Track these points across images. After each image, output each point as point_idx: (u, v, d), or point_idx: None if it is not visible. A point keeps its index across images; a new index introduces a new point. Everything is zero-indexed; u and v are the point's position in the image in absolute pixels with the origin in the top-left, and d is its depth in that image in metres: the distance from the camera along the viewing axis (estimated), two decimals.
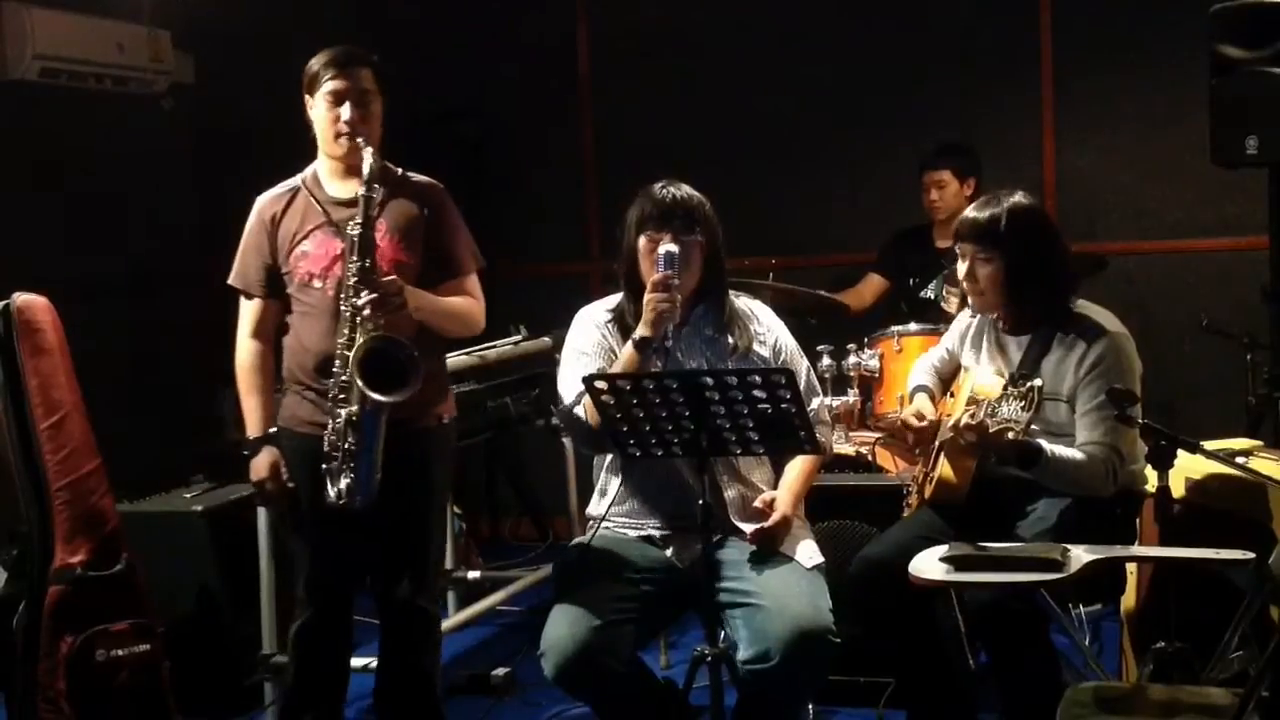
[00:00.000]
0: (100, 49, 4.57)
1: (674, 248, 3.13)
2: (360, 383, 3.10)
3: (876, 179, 5.61)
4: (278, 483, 3.35)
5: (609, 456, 3.31)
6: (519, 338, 4.81)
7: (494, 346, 4.64)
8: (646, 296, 3.10)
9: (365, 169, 3.16)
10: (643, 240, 3.21)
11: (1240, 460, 3.31)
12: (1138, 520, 3.38)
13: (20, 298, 3.40)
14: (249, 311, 3.40)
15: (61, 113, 4.53)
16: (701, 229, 3.22)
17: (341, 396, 3.17)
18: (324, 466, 3.19)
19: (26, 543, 3.41)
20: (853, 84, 5.62)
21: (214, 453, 4.23)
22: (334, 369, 3.18)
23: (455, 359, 4.39)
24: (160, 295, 4.75)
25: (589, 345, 3.29)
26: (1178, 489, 3.29)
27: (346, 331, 3.15)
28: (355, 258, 3.14)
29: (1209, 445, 3.06)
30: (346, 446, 3.16)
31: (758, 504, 3.20)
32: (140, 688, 3.39)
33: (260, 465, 3.35)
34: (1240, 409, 4.75)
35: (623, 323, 3.28)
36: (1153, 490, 2.96)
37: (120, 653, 3.37)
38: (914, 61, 5.54)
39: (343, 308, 3.16)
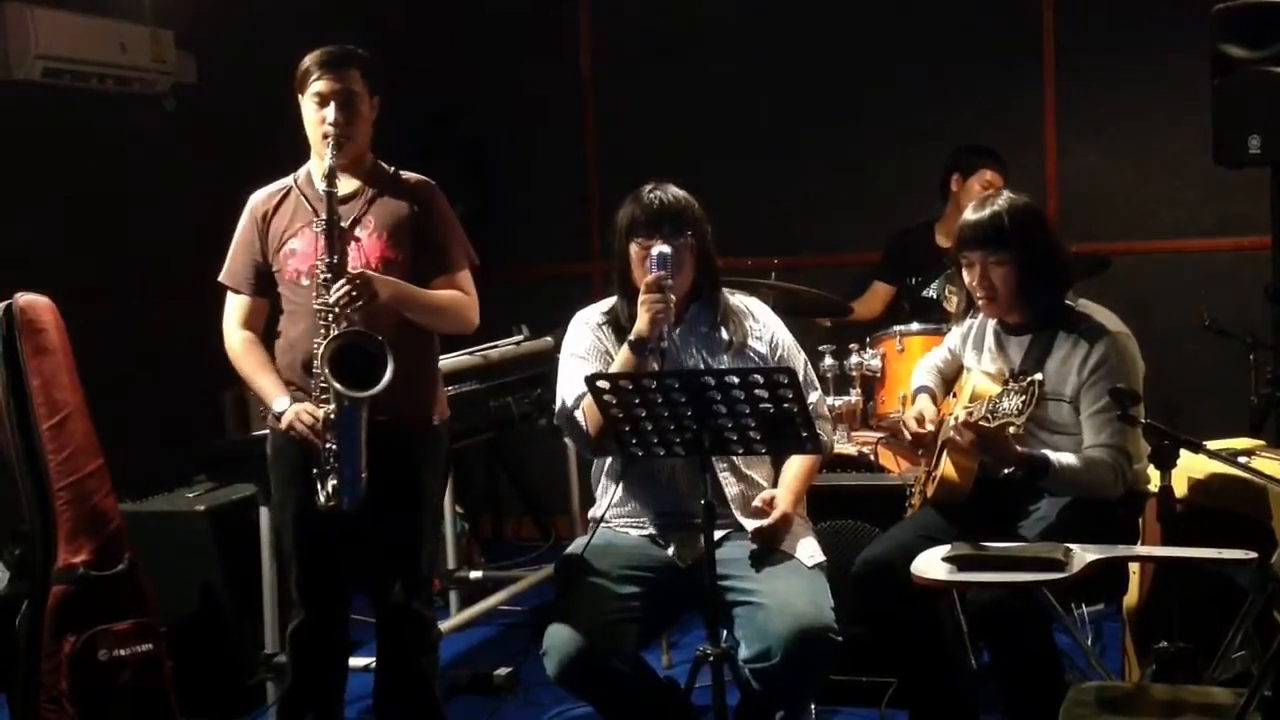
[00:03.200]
0: (103, 49, 4.57)
1: (666, 249, 3.13)
2: (331, 379, 3.09)
3: (878, 179, 5.61)
4: (311, 417, 3.21)
5: (608, 461, 3.32)
6: (521, 338, 4.81)
7: (496, 346, 4.65)
8: (641, 298, 3.11)
9: (325, 166, 3.17)
10: (634, 246, 3.21)
11: (1242, 460, 3.31)
12: (1140, 520, 3.38)
13: (23, 298, 3.40)
14: (236, 306, 3.40)
15: (64, 113, 4.52)
16: (691, 230, 3.22)
17: (324, 397, 3.17)
18: (314, 470, 3.19)
19: (29, 542, 3.41)
20: (854, 84, 5.62)
21: (216, 453, 4.23)
22: (315, 368, 3.17)
23: (457, 359, 4.40)
24: (162, 295, 4.75)
25: (585, 349, 3.30)
26: (1180, 489, 3.29)
27: (323, 330, 3.14)
28: (324, 254, 3.15)
29: (1211, 445, 3.06)
30: (330, 447, 3.16)
31: (757, 503, 3.21)
32: (143, 687, 3.39)
33: (290, 414, 3.24)
34: (1242, 409, 4.75)
35: (617, 325, 3.29)
36: (1155, 490, 2.96)
37: (123, 652, 3.36)
38: (916, 61, 5.54)
39: (315, 306, 3.16)
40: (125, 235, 4.70)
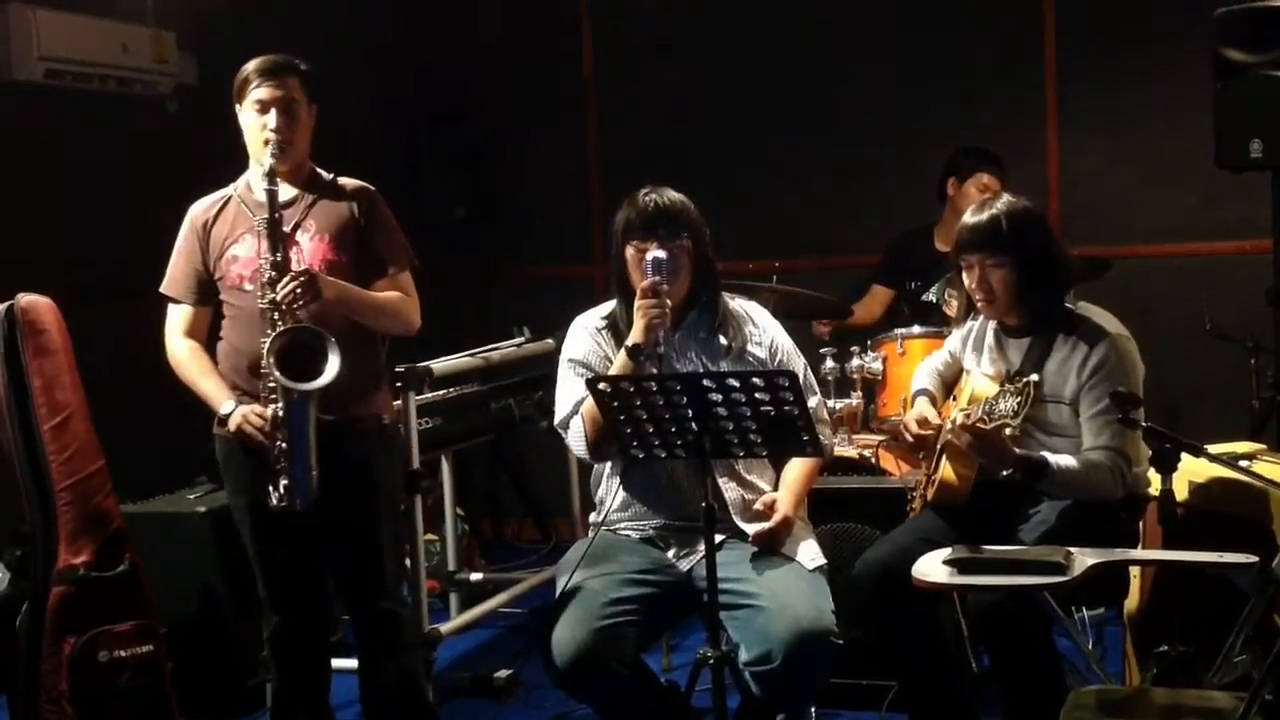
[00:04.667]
0: (105, 50, 4.57)
1: (661, 254, 3.13)
2: (277, 373, 3.11)
3: (880, 182, 5.61)
4: (259, 417, 3.22)
5: (607, 467, 3.32)
6: (522, 340, 4.81)
7: (497, 348, 4.65)
8: (636, 303, 3.11)
9: (265, 165, 3.20)
10: (630, 250, 3.21)
11: (1243, 464, 3.31)
12: (1141, 523, 3.38)
13: (24, 299, 3.41)
14: (178, 316, 3.42)
15: (66, 114, 4.52)
16: (688, 233, 3.22)
17: (272, 396, 3.18)
18: (264, 473, 3.20)
19: (30, 543, 3.41)
20: (856, 88, 5.62)
21: (215, 455, 4.23)
22: (262, 368, 3.18)
23: (458, 361, 4.40)
24: (164, 296, 4.75)
25: (584, 354, 3.30)
26: (1181, 492, 3.29)
27: (269, 329, 3.16)
28: (267, 253, 3.17)
29: (1212, 449, 3.06)
30: (280, 446, 3.16)
31: (758, 506, 3.20)
32: (143, 688, 3.39)
33: (237, 416, 3.25)
34: (1243, 412, 4.75)
35: (616, 329, 3.29)
36: (1156, 493, 2.96)
37: (123, 653, 3.37)
38: (918, 65, 5.54)
39: (261, 304, 3.17)
40: (127, 236, 4.69)
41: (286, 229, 3.25)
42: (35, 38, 4.30)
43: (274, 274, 3.16)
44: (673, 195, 3.25)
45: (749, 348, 3.31)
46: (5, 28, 4.30)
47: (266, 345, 3.13)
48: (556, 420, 3.33)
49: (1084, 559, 2.75)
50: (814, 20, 5.66)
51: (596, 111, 6.01)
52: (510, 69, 6.01)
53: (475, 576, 4.95)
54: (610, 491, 3.28)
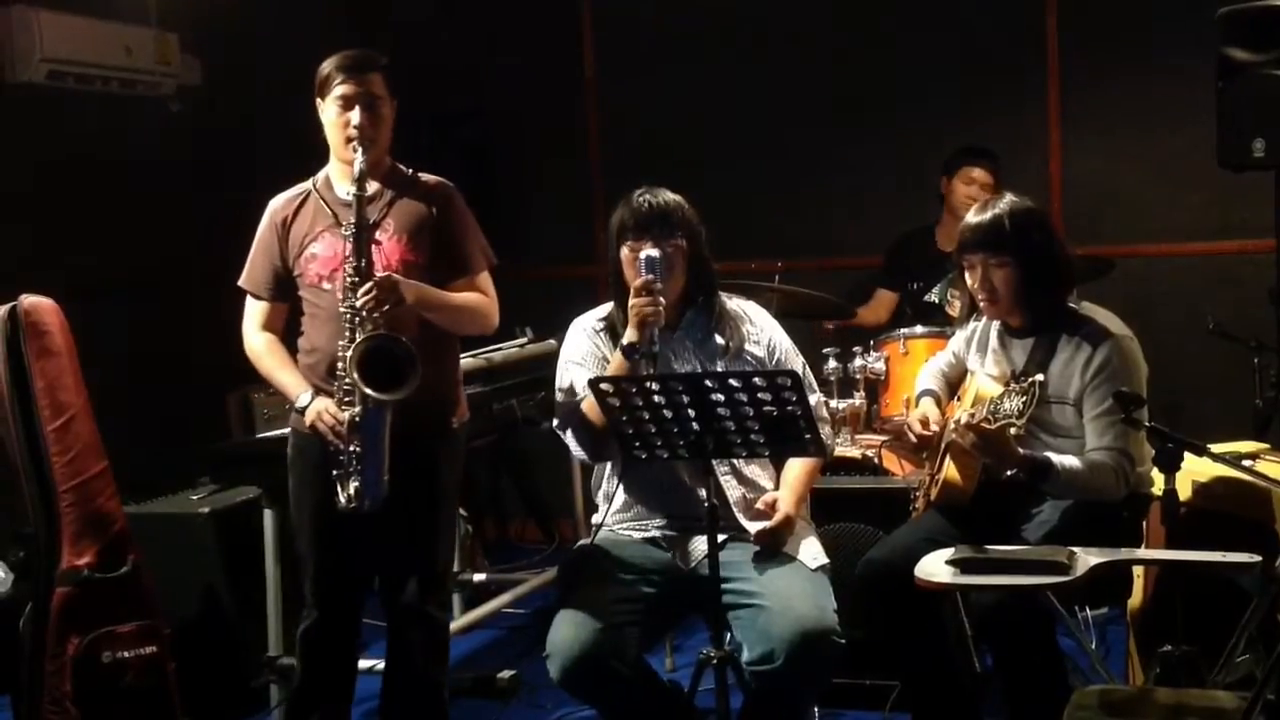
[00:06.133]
0: (107, 52, 4.58)
1: (655, 252, 3.13)
2: (359, 381, 3.10)
3: (882, 182, 5.61)
4: (334, 417, 3.20)
5: (607, 467, 3.32)
6: (525, 340, 4.81)
7: (500, 349, 4.65)
8: (630, 302, 3.11)
9: (355, 170, 3.17)
10: (625, 250, 3.22)
11: (1247, 463, 3.31)
12: (1144, 523, 3.38)
13: (27, 300, 3.41)
14: (256, 311, 3.41)
15: (69, 115, 4.53)
16: (682, 233, 3.22)
17: (347, 399, 3.17)
18: (334, 472, 3.20)
19: (33, 544, 3.41)
20: (858, 87, 5.62)
21: (220, 455, 4.23)
22: (339, 371, 3.18)
23: (461, 361, 4.40)
24: (167, 297, 4.76)
25: (582, 355, 3.31)
26: (1184, 492, 3.29)
27: (348, 333, 3.15)
28: (350, 258, 3.16)
29: (1215, 448, 3.06)
30: (353, 449, 3.16)
31: (760, 505, 3.20)
32: (146, 689, 3.40)
33: (313, 410, 3.24)
34: (1246, 412, 4.75)
35: (614, 331, 3.29)
36: (1159, 493, 2.96)
37: (126, 654, 3.37)
38: (920, 64, 5.53)
39: (341, 309, 3.17)
40: (130, 237, 4.70)
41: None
42: (38, 39, 4.31)
43: (356, 279, 3.14)
44: (668, 196, 3.25)
45: (747, 346, 3.31)
46: (8, 29, 4.31)
47: (349, 351, 3.12)
48: (556, 421, 3.33)
49: (1087, 559, 2.75)
50: (816, 20, 5.66)
51: (598, 112, 6.01)
52: (512, 69, 6.00)
53: (478, 577, 4.95)
54: (611, 492, 3.28)
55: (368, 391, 3.11)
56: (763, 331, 3.36)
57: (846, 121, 5.64)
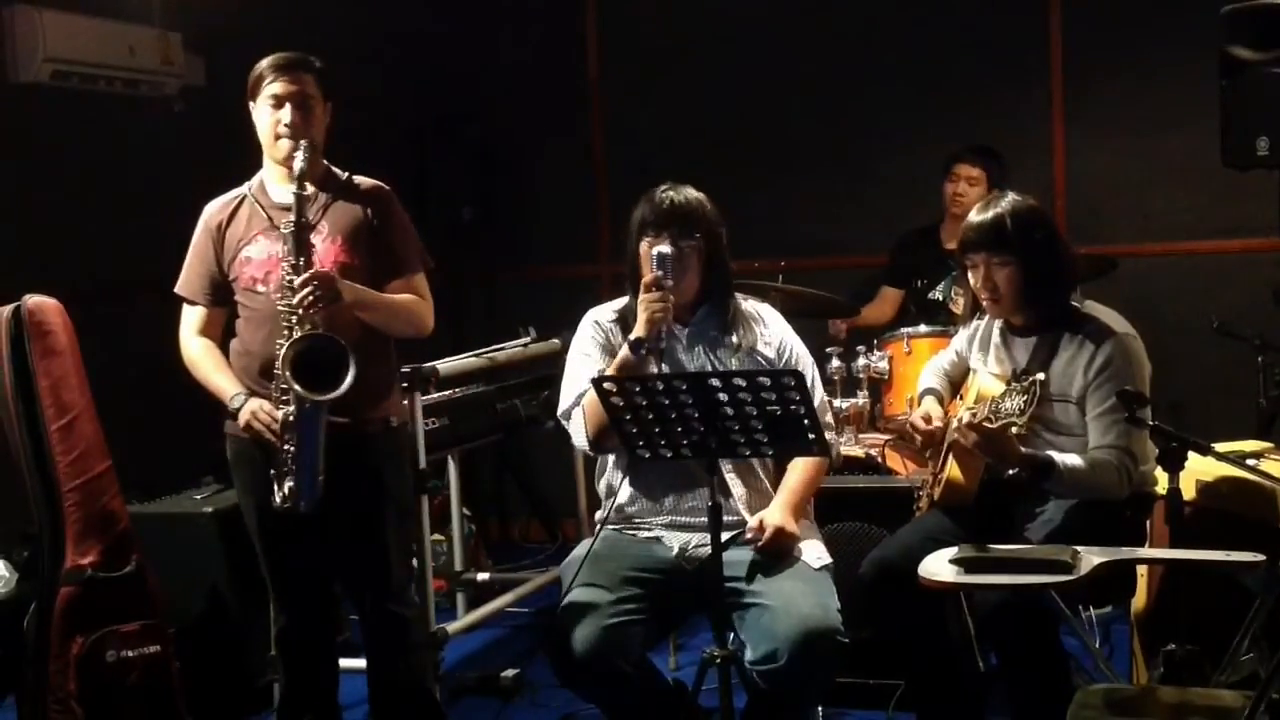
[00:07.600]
0: (111, 52, 4.57)
1: (667, 249, 3.13)
2: (292, 380, 3.10)
3: (885, 181, 5.61)
4: (269, 416, 3.21)
5: (610, 463, 3.32)
6: (528, 340, 4.81)
7: (503, 349, 4.65)
8: (640, 298, 3.11)
9: (295, 168, 3.17)
10: (643, 246, 3.22)
11: (1251, 462, 3.31)
12: (1148, 522, 3.38)
13: (31, 300, 3.42)
14: (193, 317, 3.41)
15: (72, 115, 4.53)
16: (700, 232, 3.22)
17: (284, 399, 3.17)
18: (271, 472, 3.20)
19: (37, 544, 3.42)
20: (861, 86, 5.62)
21: (223, 455, 4.23)
22: (275, 371, 3.17)
23: (464, 361, 4.41)
24: (170, 297, 4.76)
25: (592, 344, 3.31)
26: (1188, 491, 3.29)
27: (285, 332, 3.15)
28: (289, 256, 3.16)
29: (1219, 447, 3.06)
30: (287, 449, 3.16)
31: (748, 534, 3.19)
32: (150, 688, 3.40)
33: (246, 410, 3.25)
34: (1250, 411, 4.75)
35: (627, 324, 3.29)
36: (1163, 492, 2.96)
37: (130, 653, 3.38)
38: (924, 63, 5.54)
39: (279, 307, 3.16)
40: (133, 237, 4.70)
41: None
42: (41, 39, 4.31)
43: (293, 277, 3.14)
44: (690, 194, 3.25)
45: (758, 347, 3.31)
46: (11, 29, 4.31)
47: (281, 351, 3.12)
48: (559, 410, 3.33)
49: (1091, 558, 2.75)
50: (819, 21, 5.66)
51: (602, 112, 6.01)
52: (517, 70, 6.01)
53: (482, 576, 4.96)
54: (615, 486, 3.29)
55: (301, 391, 3.11)
56: (775, 334, 3.36)
57: (850, 122, 5.65)
